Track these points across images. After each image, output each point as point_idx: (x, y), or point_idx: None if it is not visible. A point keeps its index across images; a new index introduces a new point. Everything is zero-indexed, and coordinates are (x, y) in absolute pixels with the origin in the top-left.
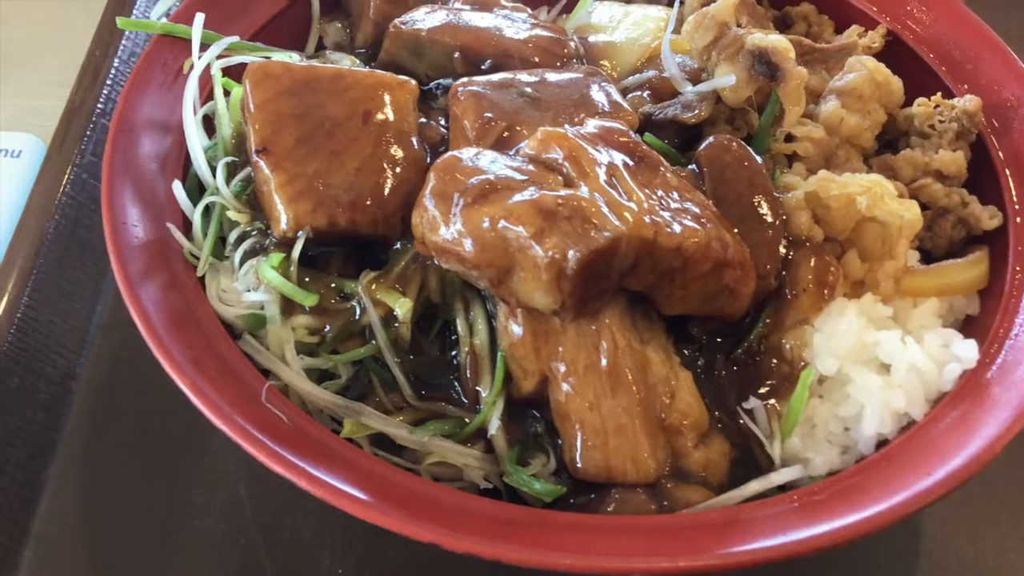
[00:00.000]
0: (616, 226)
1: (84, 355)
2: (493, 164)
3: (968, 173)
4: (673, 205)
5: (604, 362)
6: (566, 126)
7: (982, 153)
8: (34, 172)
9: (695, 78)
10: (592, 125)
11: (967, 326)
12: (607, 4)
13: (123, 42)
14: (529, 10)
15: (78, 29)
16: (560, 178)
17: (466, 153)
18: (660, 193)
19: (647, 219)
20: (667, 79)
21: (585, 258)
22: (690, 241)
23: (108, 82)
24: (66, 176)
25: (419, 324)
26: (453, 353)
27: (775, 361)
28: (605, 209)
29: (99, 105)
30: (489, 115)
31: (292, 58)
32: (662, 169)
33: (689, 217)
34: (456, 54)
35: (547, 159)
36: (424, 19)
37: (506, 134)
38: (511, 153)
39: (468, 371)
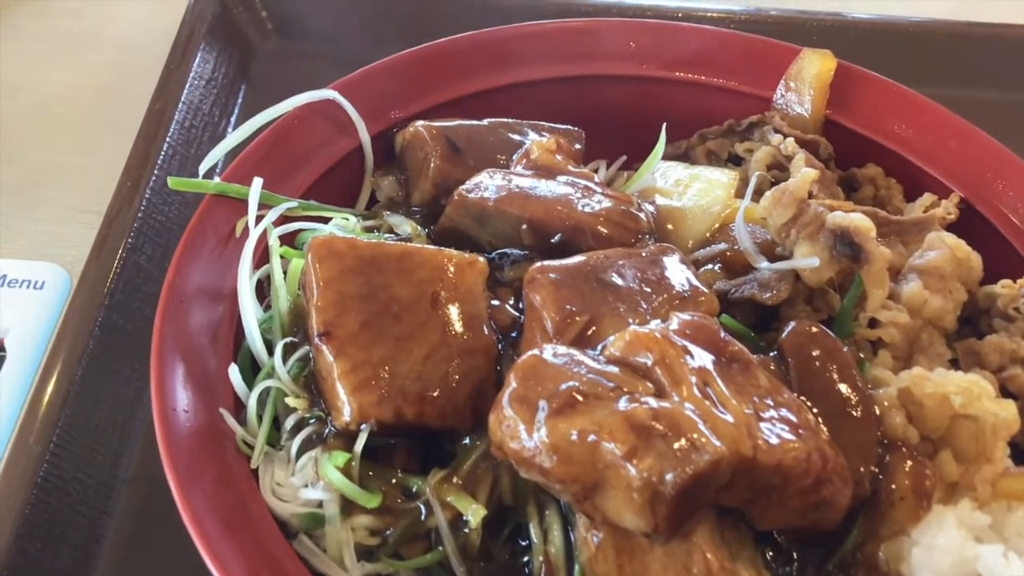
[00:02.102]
0: (716, 447)
1: (108, 514)
2: (579, 369)
3: None
4: (768, 413)
5: None
6: (653, 324)
7: None
8: (58, 306)
9: (767, 250)
10: (677, 321)
11: None
12: (671, 165)
13: (155, 172)
14: (596, 176)
15: (106, 152)
16: (650, 385)
17: (548, 353)
18: (755, 399)
19: (745, 434)
20: (739, 252)
21: (684, 483)
22: (790, 456)
23: (140, 214)
24: (95, 317)
25: (488, 525)
26: (525, 559)
27: (870, 575)
28: (702, 425)
29: (129, 240)
30: (570, 307)
31: (348, 220)
32: (752, 369)
33: (786, 427)
34: (524, 226)
35: (636, 363)
36: (490, 187)
37: (587, 329)
38: (595, 352)
39: None
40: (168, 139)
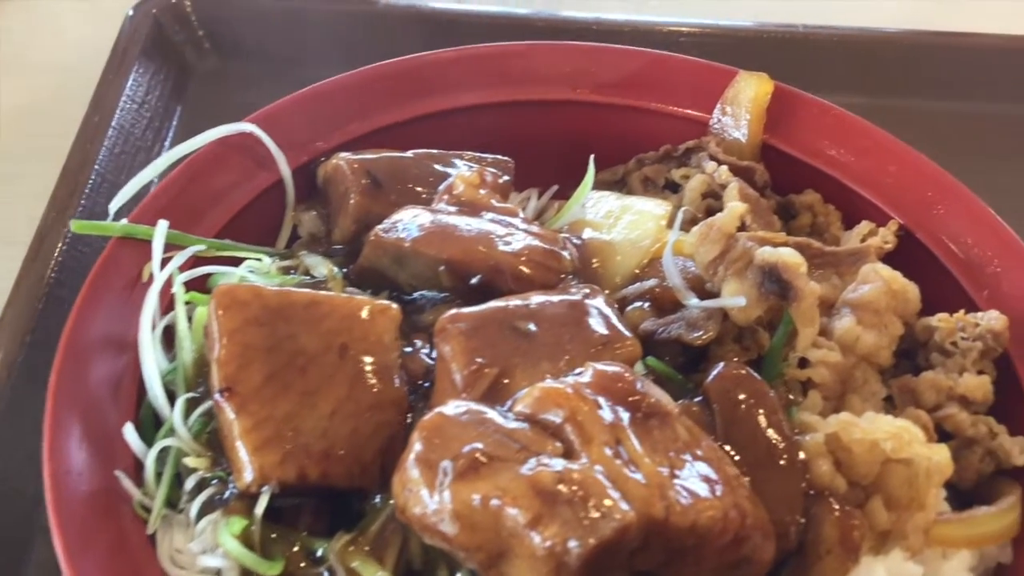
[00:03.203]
0: (624, 511)
1: (25, 564)
2: (484, 428)
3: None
4: (683, 471)
5: None
6: (566, 379)
7: (1007, 372)
8: None
9: (697, 285)
10: (591, 373)
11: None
12: (602, 195)
13: (82, 201)
14: (521, 212)
15: (34, 180)
16: (559, 444)
17: (454, 411)
18: (671, 454)
19: (657, 496)
20: (669, 288)
21: (589, 552)
22: (704, 516)
23: (64, 246)
24: (15, 359)
25: None
26: None
27: None
28: (610, 488)
29: (52, 274)
30: (480, 360)
31: (262, 261)
32: (670, 421)
33: (704, 485)
34: (442, 267)
35: (545, 420)
36: (408, 226)
37: (499, 382)
38: (504, 409)
39: None
40: (96, 166)
